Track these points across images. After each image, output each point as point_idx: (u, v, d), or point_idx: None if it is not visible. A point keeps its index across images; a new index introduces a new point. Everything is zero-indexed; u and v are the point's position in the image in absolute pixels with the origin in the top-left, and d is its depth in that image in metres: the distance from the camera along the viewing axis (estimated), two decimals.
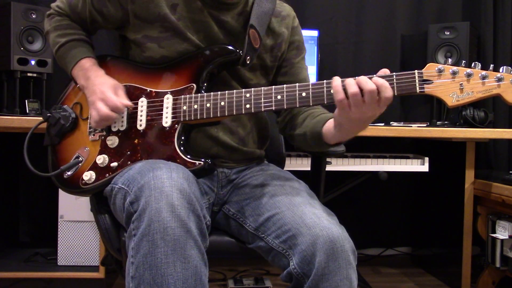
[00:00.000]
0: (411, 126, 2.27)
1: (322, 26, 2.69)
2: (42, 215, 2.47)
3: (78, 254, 2.14)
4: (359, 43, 2.79)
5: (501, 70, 1.03)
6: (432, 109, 2.63)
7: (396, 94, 1.06)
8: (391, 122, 2.49)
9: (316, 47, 2.52)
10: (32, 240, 2.50)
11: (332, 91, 1.08)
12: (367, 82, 1.03)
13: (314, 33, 2.53)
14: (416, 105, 2.84)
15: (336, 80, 1.07)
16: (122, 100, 1.22)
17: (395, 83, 1.06)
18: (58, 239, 2.14)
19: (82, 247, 2.14)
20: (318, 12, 2.74)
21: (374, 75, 1.06)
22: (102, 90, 1.22)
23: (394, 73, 1.07)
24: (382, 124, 2.36)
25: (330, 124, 1.19)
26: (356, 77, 1.05)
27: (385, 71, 1.08)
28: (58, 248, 2.14)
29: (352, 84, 1.04)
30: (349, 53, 2.79)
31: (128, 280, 1.00)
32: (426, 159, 2.25)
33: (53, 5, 1.38)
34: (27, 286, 2.19)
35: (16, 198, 2.52)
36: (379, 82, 1.03)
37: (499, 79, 1.02)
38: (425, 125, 2.35)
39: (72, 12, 1.35)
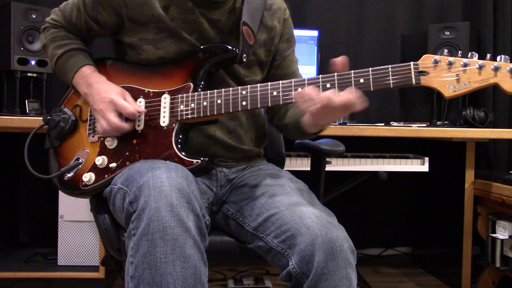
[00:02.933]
0: (411, 126, 2.27)
1: (322, 26, 2.69)
2: (42, 215, 2.48)
3: (78, 254, 2.14)
4: (359, 43, 2.80)
5: (498, 59, 1.02)
6: (432, 109, 2.63)
7: (392, 86, 1.07)
8: (391, 122, 2.49)
9: (316, 47, 2.52)
10: (32, 240, 2.51)
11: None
12: (333, 101, 1.04)
13: (314, 33, 2.53)
14: (416, 105, 2.84)
15: (300, 101, 1.09)
16: (136, 106, 1.22)
17: (390, 75, 1.06)
18: (58, 239, 2.14)
19: (82, 247, 2.14)
20: (318, 12, 2.75)
21: (320, 77, 1.09)
22: (112, 98, 1.20)
23: (389, 65, 1.07)
24: (382, 124, 2.36)
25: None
26: (324, 93, 1.06)
27: (342, 61, 1.10)
28: (58, 248, 2.14)
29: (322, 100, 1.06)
30: (349, 53, 2.78)
31: (127, 280, 1.00)
32: (426, 159, 2.25)
33: (47, 19, 1.38)
34: (27, 286, 2.19)
35: (16, 198, 2.52)
36: (346, 99, 1.04)
37: (496, 68, 1.01)
38: (425, 125, 2.36)
39: (67, 23, 1.34)
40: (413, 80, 1.05)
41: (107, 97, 1.21)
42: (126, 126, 1.21)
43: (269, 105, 1.16)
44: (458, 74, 1.03)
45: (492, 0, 2.74)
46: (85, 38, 1.37)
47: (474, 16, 2.80)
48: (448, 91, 1.04)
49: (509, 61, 1.02)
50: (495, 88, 2.73)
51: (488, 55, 1.03)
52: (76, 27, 1.34)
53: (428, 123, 2.44)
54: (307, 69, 2.49)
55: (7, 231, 2.46)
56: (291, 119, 1.33)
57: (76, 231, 2.14)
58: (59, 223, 2.13)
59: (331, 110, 1.07)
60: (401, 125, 2.39)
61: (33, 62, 2.16)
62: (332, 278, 1.05)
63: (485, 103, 2.69)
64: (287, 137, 1.49)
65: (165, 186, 1.01)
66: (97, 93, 1.23)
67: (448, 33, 2.48)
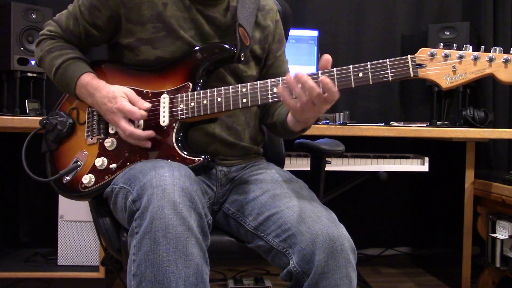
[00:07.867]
0: (411, 126, 2.27)
1: (322, 26, 2.70)
2: (42, 215, 2.48)
3: (78, 254, 2.14)
4: (359, 43, 2.80)
5: (492, 50, 1.05)
6: (432, 109, 2.63)
7: (390, 79, 1.08)
8: (391, 122, 2.49)
9: (316, 47, 2.53)
10: (32, 240, 2.50)
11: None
12: (314, 90, 1.07)
13: (314, 33, 2.53)
14: (416, 105, 2.84)
15: (284, 96, 1.10)
16: (141, 106, 1.21)
17: (389, 69, 1.08)
18: (58, 239, 2.14)
19: (82, 247, 2.14)
20: (318, 12, 2.75)
21: (319, 73, 1.11)
22: (118, 107, 1.19)
23: (387, 59, 1.09)
24: (382, 124, 2.36)
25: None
26: (301, 80, 1.08)
27: (327, 60, 1.14)
28: (58, 248, 2.14)
29: (301, 94, 1.08)
30: (349, 53, 2.79)
31: (129, 278, 1.00)
32: (426, 159, 2.25)
33: (42, 31, 1.37)
34: (27, 286, 2.20)
35: (16, 198, 2.52)
36: (325, 84, 1.08)
37: (491, 59, 1.04)
38: (425, 125, 2.36)
39: (65, 32, 1.33)
40: (411, 72, 1.07)
41: (113, 107, 1.20)
42: (142, 133, 1.19)
43: (270, 101, 1.16)
44: (454, 65, 1.05)
45: (492, 0, 2.74)
46: (83, 45, 1.35)
47: (474, 16, 2.80)
48: (445, 83, 1.06)
49: (503, 52, 1.04)
50: (495, 88, 2.75)
51: (483, 47, 1.06)
52: (74, 35, 1.33)
53: (428, 123, 2.44)
54: (307, 69, 2.49)
55: (7, 231, 2.46)
56: (277, 117, 1.35)
57: (76, 231, 2.13)
58: (59, 223, 2.13)
59: (312, 102, 1.08)
60: (401, 125, 2.39)
61: (33, 62, 2.16)
62: (332, 277, 1.05)
63: (485, 103, 2.70)
64: (277, 136, 1.51)
65: (168, 184, 1.01)
66: (102, 103, 1.22)
67: (448, 33, 2.48)
